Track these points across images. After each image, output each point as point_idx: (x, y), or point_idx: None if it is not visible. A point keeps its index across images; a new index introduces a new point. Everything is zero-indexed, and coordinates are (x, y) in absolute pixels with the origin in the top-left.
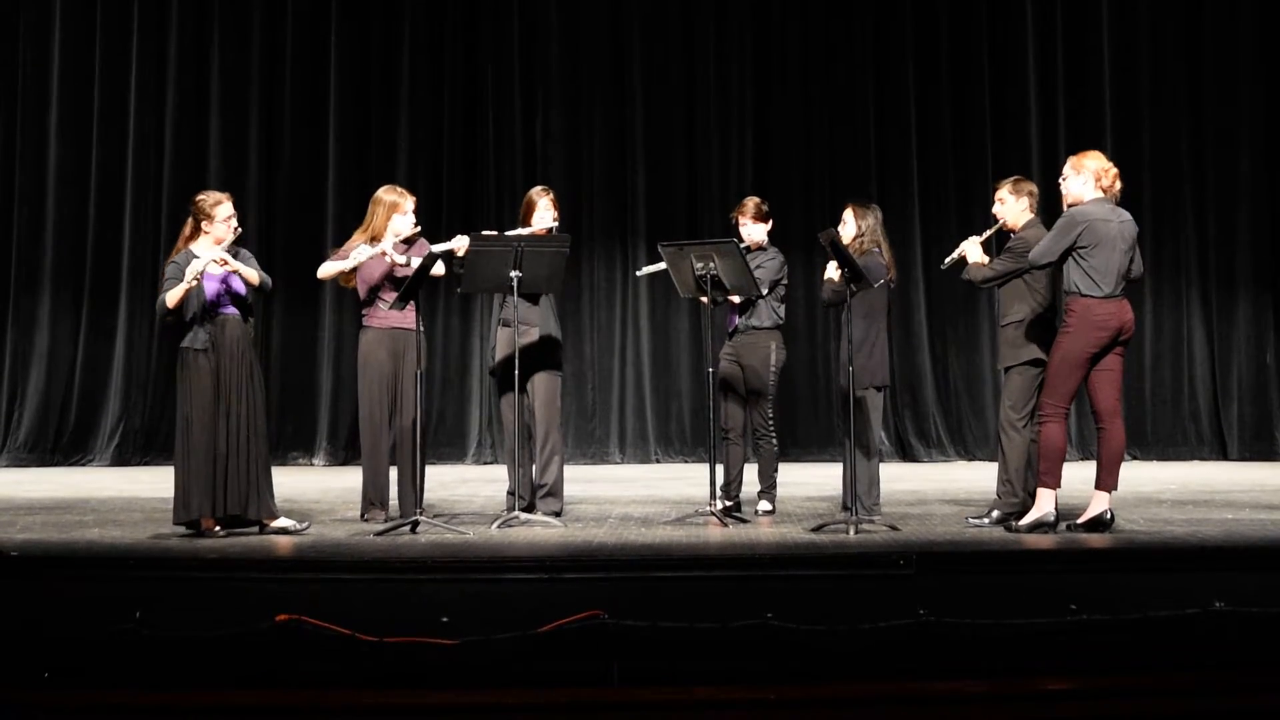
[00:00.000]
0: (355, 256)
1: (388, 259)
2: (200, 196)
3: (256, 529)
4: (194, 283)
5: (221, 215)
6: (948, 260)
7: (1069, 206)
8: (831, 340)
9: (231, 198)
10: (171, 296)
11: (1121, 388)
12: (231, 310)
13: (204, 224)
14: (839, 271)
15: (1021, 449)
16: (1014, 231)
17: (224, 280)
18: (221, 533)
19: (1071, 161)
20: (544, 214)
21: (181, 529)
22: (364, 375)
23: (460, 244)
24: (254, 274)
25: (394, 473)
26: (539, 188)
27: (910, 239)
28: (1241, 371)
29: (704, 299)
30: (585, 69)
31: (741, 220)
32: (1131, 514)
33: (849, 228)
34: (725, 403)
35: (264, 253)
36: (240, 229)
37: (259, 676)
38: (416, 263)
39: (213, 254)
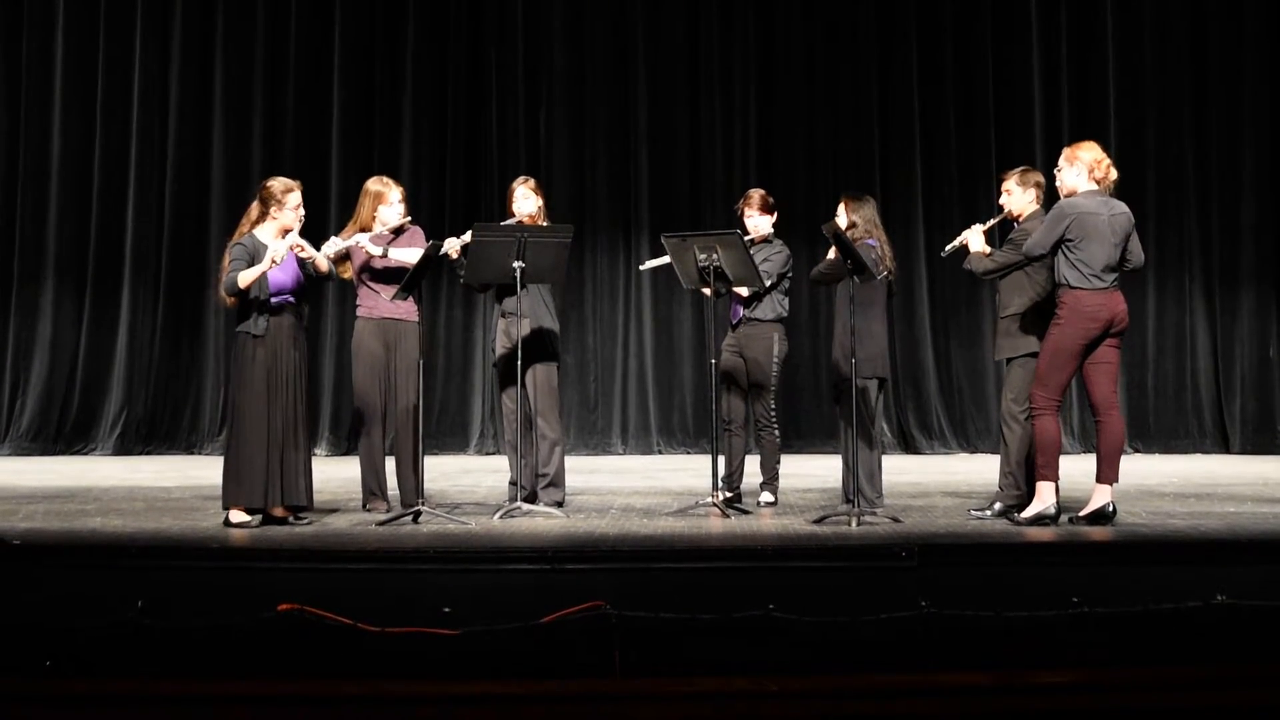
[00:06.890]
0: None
1: (364, 251)
2: (270, 182)
3: (283, 520)
4: (272, 265)
5: (292, 203)
6: (949, 248)
7: (1064, 198)
8: (823, 331)
9: (301, 185)
10: (245, 277)
11: (1118, 380)
12: (290, 299)
13: (273, 210)
14: (836, 257)
15: (1024, 441)
16: (1018, 222)
17: (293, 269)
18: (255, 522)
19: (1066, 153)
20: (522, 202)
21: (242, 515)
22: (357, 365)
23: (455, 244)
24: (325, 261)
25: (393, 462)
26: (519, 178)
27: (913, 230)
28: (1244, 365)
29: (706, 290)
30: (589, 61)
31: (747, 212)
32: (1133, 507)
33: (842, 220)
34: (727, 394)
35: None
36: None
37: (261, 666)
38: (398, 254)
39: (290, 239)
